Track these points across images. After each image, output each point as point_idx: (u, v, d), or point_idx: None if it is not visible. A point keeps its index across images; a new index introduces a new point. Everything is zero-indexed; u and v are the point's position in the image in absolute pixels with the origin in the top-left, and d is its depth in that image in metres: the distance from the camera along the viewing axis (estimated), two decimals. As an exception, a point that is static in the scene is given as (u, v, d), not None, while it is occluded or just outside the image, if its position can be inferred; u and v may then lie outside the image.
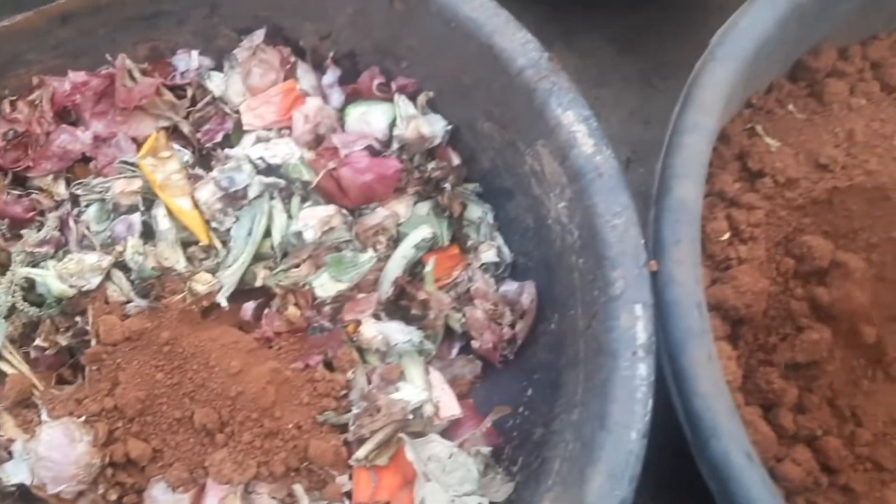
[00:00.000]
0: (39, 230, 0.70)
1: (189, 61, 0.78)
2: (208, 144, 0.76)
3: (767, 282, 0.68)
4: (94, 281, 0.67)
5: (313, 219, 0.70)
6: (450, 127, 0.76)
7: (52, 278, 0.65)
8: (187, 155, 0.74)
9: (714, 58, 0.67)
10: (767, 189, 0.70)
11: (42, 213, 0.72)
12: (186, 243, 0.71)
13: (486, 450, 0.68)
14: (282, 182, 0.72)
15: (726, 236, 0.68)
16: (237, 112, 0.77)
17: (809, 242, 0.68)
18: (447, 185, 0.75)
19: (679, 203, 0.61)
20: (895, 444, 0.69)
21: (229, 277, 0.69)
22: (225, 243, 0.71)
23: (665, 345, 0.59)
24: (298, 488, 0.64)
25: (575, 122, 0.64)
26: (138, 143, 0.75)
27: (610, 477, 0.55)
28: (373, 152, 0.73)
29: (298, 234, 0.69)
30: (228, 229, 0.71)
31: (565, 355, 0.67)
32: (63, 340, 0.68)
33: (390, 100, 0.76)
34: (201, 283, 0.68)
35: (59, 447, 0.61)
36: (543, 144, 0.67)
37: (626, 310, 0.59)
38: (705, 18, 0.95)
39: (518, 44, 0.67)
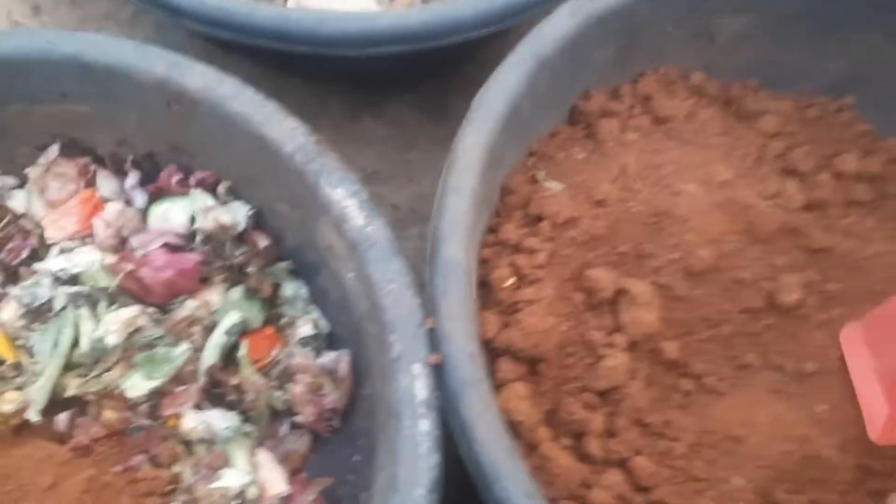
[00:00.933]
0: None
1: (-11, 183, 0.79)
2: (13, 262, 0.77)
3: (556, 319, 0.71)
4: None
5: (115, 322, 0.72)
6: (252, 212, 0.79)
7: None
8: (-10, 284, 0.76)
9: (470, 121, 0.71)
10: (547, 232, 0.74)
11: None
12: (-3, 364, 0.72)
13: (315, 523, 0.70)
14: (86, 289, 0.74)
15: (510, 282, 0.72)
16: (40, 227, 0.78)
17: (592, 275, 0.73)
18: (252, 269, 0.77)
19: (446, 262, 0.65)
20: (709, 453, 0.73)
21: (38, 392, 0.70)
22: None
23: (446, 399, 0.62)
24: None
25: (344, 197, 0.68)
26: (-58, 271, 0.76)
27: (403, 538, 0.57)
28: (171, 248, 0.76)
29: (101, 340, 0.71)
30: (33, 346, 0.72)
31: (376, 420, 0.69)
32: None
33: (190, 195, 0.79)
34: (7, 402, 0.68)
35: None
36: (325, 221, 0.70)
37: (405, 370, 0.62)
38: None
39: (286, 130, 0.70)
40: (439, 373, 0.63)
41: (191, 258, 0.75)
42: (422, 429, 0.60)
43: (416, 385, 0.61)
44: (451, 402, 0.61)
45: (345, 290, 0.73)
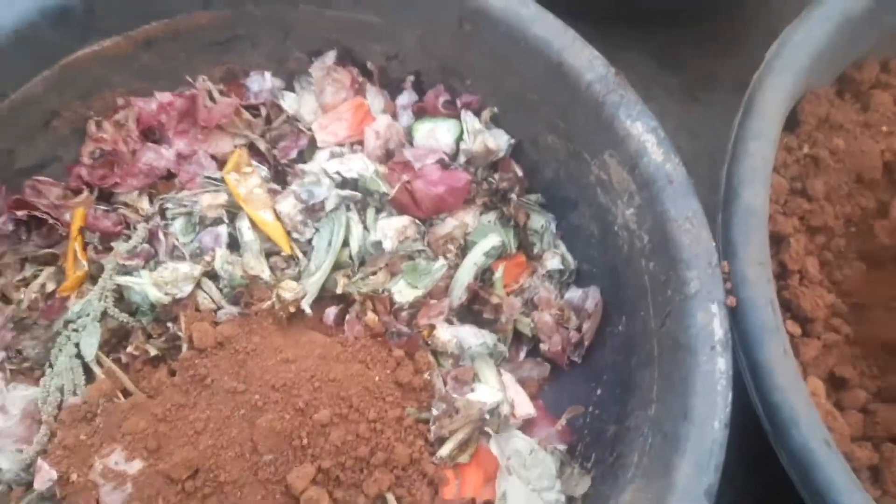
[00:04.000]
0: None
1: (262, 82, 0.82)
2: (284, 161, 0.79)
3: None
4: (187, 289, 0.70)
5: (391, 229, 0.73)
6: (513, 141, 0.80)
7: (149, 286, 0.69)
8: (264, 171, 0.78)
9: (772, 70, 0.70)
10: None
11: (129, 227, 0.75)
12: (268, 254, 0.74)
13: (562, 447, 0.71)
14: (357, 195, 0.75)
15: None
16: (310, 130, 0.80)
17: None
18: (513, 196, 0.78)
19: (747, 208, 0.65)
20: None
21: (313, 285, 0.72)
22: (305, 253, 0.74)
23: (740, 341, 0.62)
24: (389, 497, 0.66)
25: (644, 132, 0.68)
26: (217, 160, 0.79)
27: (697, 466, 0.57)
28: (443, 165, 0.77)
29: (377, 244, 0.73)
30: (308, 240, 0.74)
31: (636, 356, 0.70)
32: (152, 350, 0.71)
33: (455, 116, 0.80)
34: (288, 290, 0.71)
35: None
36: (611, 154, 0.70)
37: (703, 308, 0.62)
38: (744, 35, 0.99)
39: (586, 60, 0.70)
40: (734, 316, 0.63)
41: (463, 177, 0.76)
42: (719, 366, 0.60)
43: (715, 323, 0.61)
44: (748, 345, 0.61)
45: (610, 227, 0.73)
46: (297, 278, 0.73)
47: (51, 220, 0.73)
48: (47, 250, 0.74)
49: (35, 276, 0.73)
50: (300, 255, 0.74)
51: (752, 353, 0.61)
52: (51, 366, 0.70)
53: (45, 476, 0.65)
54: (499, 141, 0.79)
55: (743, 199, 0.65)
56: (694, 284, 0.63)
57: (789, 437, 0.58)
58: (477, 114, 0.80)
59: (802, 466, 0.58)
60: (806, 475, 0.58)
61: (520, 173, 0.80)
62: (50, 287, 0.73)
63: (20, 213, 0.72)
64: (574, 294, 0.78)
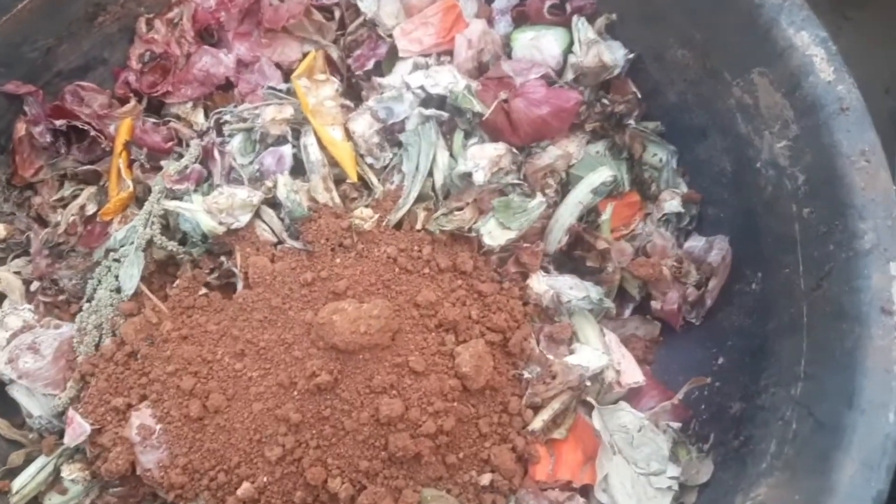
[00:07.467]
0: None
1: (336, -21, 0.70)
2: (359, 72, 0.68)
3: None
4: (244, 219, 0.60)
5: (483, 158, 0.61)
6: (631, 55, 0.67)
7: (201, 213, 0.59)
8: (336, 83, 0.67)
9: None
10: None
11: (180, 144, 0.66)
12: (337, 181, 0.64)
13: (676, 425, 0.60)
14: (444, 114, 0.64)
15: None
16: (390, 36, 0.68)
17: None
18: (630, 122, 0.65)
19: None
20: None
21: (396, 213, 0.61)
22: (382, 181, 0.63)
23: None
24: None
25: (811, 44, 0.54)
26: (282, 69, 0.68)
27: (864, 465, 0.46)
28: (548, 82, 0.64)
29: (466, 175, 0.61)
30: (384, 166, 0.63)
31: (775, 320, 0.58)
32: (202, 289, 0.61)
33: (563, 24, 0.67)
34: (361, 218, 0.60)
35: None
36: (762, 73, 0.57)
37: (879, 268, 0.50)
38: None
39: (739, -48, 0.56)
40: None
41: (572, 96, 0.63)
42: (900, 342, 0.47)
43: (893, 288, 0.49)
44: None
45: (750, 163, 0.60)
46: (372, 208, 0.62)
47: (93, 132, 0.64)
48: (89, 167, 0.65)
49: (74, 196, 0.65)
50: (375, 181, 0.63)
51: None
52: (88, 300, 0.61)
53: (78, 430, 0.57)
54: (615, 55, 0.66)
55: (939, 133, 0.51)
56: (869, 238, 0.50)
57: None
58: (590, 21, 0.67)
59: None
60: None
61: (638, 95, 0.67)
62: (91, 209, 0.64)
63: (59, 123, 0.63)
64: (696, 243, 0.65)
